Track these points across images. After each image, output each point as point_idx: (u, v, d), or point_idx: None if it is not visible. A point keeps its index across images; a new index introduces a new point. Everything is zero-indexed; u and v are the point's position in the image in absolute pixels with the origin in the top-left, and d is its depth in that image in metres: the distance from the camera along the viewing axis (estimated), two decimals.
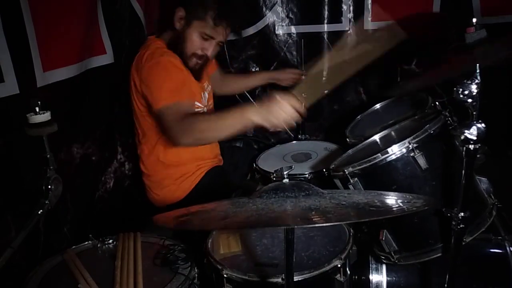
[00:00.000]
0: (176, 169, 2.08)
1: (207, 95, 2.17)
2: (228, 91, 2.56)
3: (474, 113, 1.16)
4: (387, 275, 1.69)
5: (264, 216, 0.86)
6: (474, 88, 1.14)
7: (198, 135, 1.68)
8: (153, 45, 2.00)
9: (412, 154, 1.46)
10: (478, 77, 1.13)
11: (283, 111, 1.46)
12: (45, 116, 1.28)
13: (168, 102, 1.77)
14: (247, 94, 3.04)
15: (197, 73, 2.04)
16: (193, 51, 1.96)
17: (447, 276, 1.36)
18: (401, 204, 0.95)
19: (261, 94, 3.07)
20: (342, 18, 2.87)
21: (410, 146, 1.46)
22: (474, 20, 1.21)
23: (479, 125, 1.16)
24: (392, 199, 1.00)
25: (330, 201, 0.93)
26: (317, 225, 1.03)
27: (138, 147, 2.16)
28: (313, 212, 0.86)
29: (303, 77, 2.45)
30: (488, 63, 1.14)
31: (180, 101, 1.78)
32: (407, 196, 1.00)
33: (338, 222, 1.23)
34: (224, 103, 2.99)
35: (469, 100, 1.15)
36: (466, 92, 1.14)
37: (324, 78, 1.98)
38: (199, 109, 2.08)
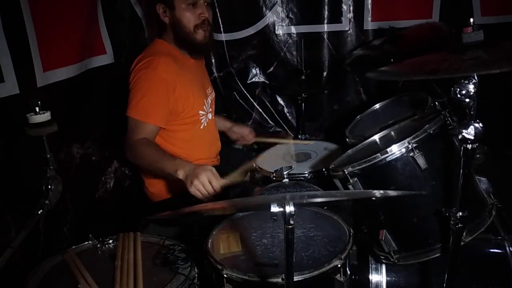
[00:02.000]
0: None
1: (210, 101, 2.18)
2: None
3: (472, 112, 1.16)
4: (387, 275, 1.69)
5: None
6: (471, 88, 1.13)
7: (136, 161, 1.88)
8: (154, 47, 2.01)
9: (411, 154, 1.46)
10: (476, 77, 1.13)
11: (204, 177, 1.59)
12: (45, 116, 1.29)
13: (136, 117, 1.85)
14: (247, 94, 3.05)
15: (208, 44, 2.06)
16: (193, 23, 1.97)
17: (446, 276, 1.36)
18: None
19: (261, 94, 3.08)
20: (342, 18, 2.88)
21: (410, 146, 1.46)
22: (472, 20, 1.21)
23: (476, 125, 1.16)
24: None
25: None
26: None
27: None
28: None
29: (251, 141, 2.47)
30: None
31: (146, 123, 1.86)
32: None
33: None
34: (224, 102, 3.04)
35: (467, 100, 1.15)
36: (464, 92, 1.14)
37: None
38: (202, 117, 2.10)
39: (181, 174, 1.64)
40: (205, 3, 2.00)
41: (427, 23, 2.66)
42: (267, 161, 2.30)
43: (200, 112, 2.09)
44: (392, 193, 1.19)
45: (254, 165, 2.16)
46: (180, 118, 2.01)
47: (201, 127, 2.11)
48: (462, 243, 1.37)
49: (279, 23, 2.91)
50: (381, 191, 1.11)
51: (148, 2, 2.56)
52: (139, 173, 2.18)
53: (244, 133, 2.43)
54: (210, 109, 2.18)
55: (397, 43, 2.41)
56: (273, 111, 3.11)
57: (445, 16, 2.78)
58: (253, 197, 1.70)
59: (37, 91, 1.75)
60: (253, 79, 3.05)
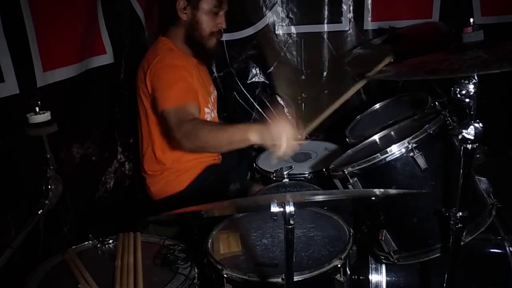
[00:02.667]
0: (175, 163, 2.09)
1: (213, 99, 2.19)
2: None
3: (472, 112, 1.16)
4: (387, 275, 1.69)
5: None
6: (471, 88, 1.13)
7: (199, 143, 1.66)
8: (163, 45, 2.01)
9: (411, 154, 1.46)
10: (476, 77, 1.13)
11: (284, 135, 1.41)
12: (45, 116, 1.28)
13: (175, 103, 1.77)
14: (247, 94, 3.05)
15: (215, 52, 2.10)
16: (210, 30, 1.99)
17: (446, 276, 1.36)
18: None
19: (261, 94, 3.07)
20: (342, 18, 2.88)
21: (410, 146, 1.46)
22: (472, 20, 1.21)
23: (476, 125, 1.16)
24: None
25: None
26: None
27: (140, 141, 2.15)
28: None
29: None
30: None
31: (186, 103, 1.78)
32: None
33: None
34: (224, 102, 3.04)
35: (467, 100, 1.15)
36: (464, 92, 1.14)
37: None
38: (206, 115, 2.10)
39: (254, 139, 1.48)
40: (225, 14, 2.02)
41: (427, 23, 2.66)
42: (267, 161, 2.30)
43: (206, 109, 2.10)
44: (392, 191, 1.19)
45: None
46: None
47: None
48: (462, 243, 1.37)
49: (279, 23, 2.91)
50: (381, 190, 1.11)
51: (148, 2, 2.56)
52: (141, 172, 2.18)
53: None
54: (213, 107, 2.19)
55: (397, 43, 2.41)
56: (273, 111, 3.11)
57: (445, 16, 2.77)
58: (253, 197, 1.69)
59: (37, 91, 1.75)
60: (253, 79, 3.05)
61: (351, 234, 1.53)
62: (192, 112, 1.75)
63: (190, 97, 1.82)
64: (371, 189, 1.47)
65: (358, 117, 2.20)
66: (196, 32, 1.99)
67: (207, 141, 1.63)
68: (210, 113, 2.14)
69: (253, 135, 1.48)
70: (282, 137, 1.40)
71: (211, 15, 1.97)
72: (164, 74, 1.87)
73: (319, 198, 1.17)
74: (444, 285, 1.37)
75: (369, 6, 2.84)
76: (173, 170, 2.09)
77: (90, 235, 1.64)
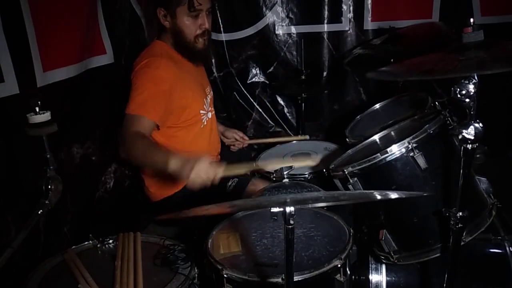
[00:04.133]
0: None
1: (209, 100, 2.18)
2: None
3: (472, 112, 1.16)
4: (387, 275, 1.69)
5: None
6: (471, 87, 1.13)
7: (128, 156, 1.78)
8: (154, 49, 2.01)
9: (411, 154, 1.46)
10: (476, 77, 1.13)
11: (200, 172, 1.53)
12: (45, 116, 1.28)
13: (132, 111, 1.81)
14: (247, 94, 3.05)
15: (207, 51, 2.08)
16: (194, 33, 1.98)
17: (446, 276, 1.36)
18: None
19: (261, 94, 3.07)
20: (342, 18, 2.88)
21: (410, 146, 1.46)
22: (472, 20, 1.21)
23: (476, 125, 1.16)
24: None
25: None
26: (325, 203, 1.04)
27: None
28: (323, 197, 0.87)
29: (245, 143, 2.45)
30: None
31: (141, 116, 1.81)
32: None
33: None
34: (224, 102, 3.04)
35: (467, 100, 1.15)
36: (464, 92, 1.14)
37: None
38: (202, 116, 2.10)
39: (173, 165, 1.58)
40: (207, 12, 1.99)
41: (427, 23, 2.67)
42: (267, 161, 2.30)
43: (201, 111, 2.10)
44: (392, 195, 1.17)
45: (255, 165, 2.15)
46: (182, 119, 2.01)
47: (202, 126, 2.12)
48: (462, 243, 1.37)
49: (279, 23, 2.91)
50: (383, 193, 1.10)
51: (148, 2, 2.57)
52: (139, 172, 2.18)
53: (236, 137, 2.43)
54: (210, 108, 2.19)
55: (397, 43, 2.41)
56: (273, 111, 3.11)
57: (445, 16, 2.78)
58: (253, 199, 1.68)
59: (37, 91, 1.75)
60: (253, 79, 3.05)
61: (351, 234, 1.53)
62: (141, 126, 1.80)
63: (147, 111, 1.83)
64: (371, 192, 1.46)
65: (358, 117, 2.19)
66: (181, 39, 1.98)
67: (134, 157, 1.78)
68: (206, 113, 2.13)
69: (174, 164, 1.58)
70: (197, 172, 1.52)
71: (190, 19, 1.95)
72: (140, 79, 1.88)
73: (321, 204, 1.15)
74: (444, 285, 1.37)
75: (369, 6, 2.84)
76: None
77: (90, 235, 1.64)
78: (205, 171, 1.54)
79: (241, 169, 1.91)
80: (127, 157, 1.80)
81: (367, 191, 1.51)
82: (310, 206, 1.08)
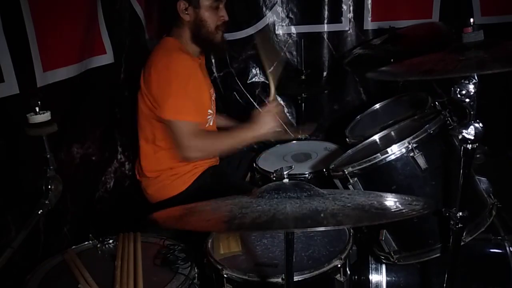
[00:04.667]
0: (172, 167, 2.08)
1: (213, 101, 2.19)
2: None
3: (472, 112, 1.16)
4: (387, 275, 1.69)
5: (272, 218, 0.82)
6: (471, 88, 1.13)
7: (205, 154, 1.99)
8: (172, 45, 2.00)
9: (411, 154, 1.46)
10: (476, 77, 1.13)
11: (270, 122, 1.88)
12: (45, 116, 1.28)
13: (180, 118, 1.86)
14: (247, 94, 3.05)
15: (225, 44, 2.15)
16: (215, 24, 2.01)
17: (446, 276, 1.36)
18: (400, 206, 0.93)
19: (261, 94, 3.07)
20: (342, 18, 2.88)
21: (410, 146, 1.46)
22: (472, 20, 1.21)
23: (476, 125, 1.16)
24: (391, 201, 0.98)
25: (335, 203, 0.90)
26: (328, 228, 0.98)
27: (139, 143, 2.14)
28: (322, 215, 0.83)
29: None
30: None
31: (192, 121, 1.88)
32: (407, 198, 0.98)
33: (350, 225, 1.25)
34: (224, 102, 3.04)
35: (467, 100, 1.15)
36: (464, 92, 1.14)
37: None
38: (209, 116, 2.11)
39: (254, 137, 1.93)
40: (224, 5, 2.04)
41: (427, 23, 2.66)
42: (267, 161, 2.30)
43: (209, 111, 2.11)
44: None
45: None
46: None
47: (207, 126, 2.12)
48: (462, 243, 1.37)
49: (279, 23, 2.91)
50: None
51: (148, 2, 2.56)
52: (137, 175, 2.18)
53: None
54: (214, 108, 2.19)
55: (397, 43, 2.41)
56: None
57: (445, 16, 2.77)
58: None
59: (37, 91, 1.75)
60: (253, 79, 3.04)
61: (351, 234, 1.53)
62: (197, 128, 1.91)
63: (197, 115, 1.92)
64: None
65: (358, 117, 2.19)
66: (202, 30, 2.00)
67: (212, 150, 2.01)
68: (212, 114, 2.14)
69: (249, 135, 1.92)
70: (269, 124, 1.90)
71: (212, 10, 1.98)
72: (174, 81, 1.87)
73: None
74: (444, 285, 1.37)
75: (369, 6, 2.84)
76: (169, 174, 2.07)
77: (90, 235, 1.64)
78: (270, 122, 1.90)
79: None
80: (202, 157, 2.01)
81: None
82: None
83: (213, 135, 1.98)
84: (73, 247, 1.61)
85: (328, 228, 1.05)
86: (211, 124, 2.14)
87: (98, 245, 1.62)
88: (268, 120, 1.91)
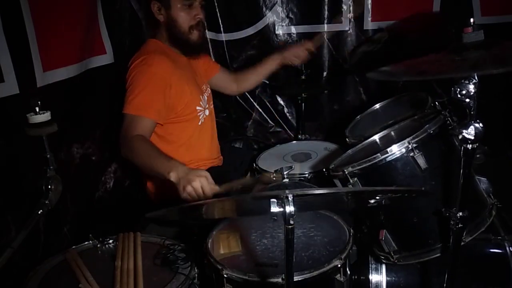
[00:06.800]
0: None
1: (206, 97, 2.18)
2: (248, 86, 2.60)
3: (472, 112, 1.16)
4: (387, 275, 1.69)
5: None
6: (471, 87, 1.13)
7: (130, 157, 1.76)
8: (148, 46, 2.01)
9: (411, 154, 1.46)
10: (476, 77, 1.13)
11: (197, 182, 1.50)
12: (45, 116, 1.29)
13: (132, 112, 1.81)
14: (247, 94, 3.05)
15: (202, 44, 2.11)
16: (188, 24, 1.99)
17: (446, 276, 1.36)
18: None
19: (261, 94, 3.07)
20: (342, 18, 2.87)
21: (410, 146, 1.46)
22: (472, 20, 1.21)
23: (477, 125, 1.16)
24: None
25: None
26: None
27: None
28: None
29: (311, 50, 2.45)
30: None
31: (142, 117, 1.82)
32: None
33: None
34: (224, 102, 3.04)
35: (467, 100, 1.15)
36: (464, 92, 1.14)
37: None
38: (199, 113, 2.09)
39: (173, 176, 1.56)
40: (200, 5, 2.01)
41: (423, 14, 2.65)
42: (267, 161, 2.30)
43: (198, 108, 2.09)
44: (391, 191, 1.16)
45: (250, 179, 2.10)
46: (178, 115, 2.01)
47: (199, 123, 2.11)
48: (462, 243, 1.37)
49: (279, 23, 2.91)
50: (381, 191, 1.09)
51: (144, 1, 2.57)
52: (141, 173, 2.18)
53: (298, 50, 2.44)
54: (207, 105, 2.18)
55: (396, 39, 2.39)
56: (273, 111, 3.11)
57: (445, 16, 2.77)
58: (252, 193, 1.67)
59: (37, 91, 1.75)
60: None
61: (351, 234, 1.53)
62: (141, 127, 1.80)
63: (148, 112, 1.83)
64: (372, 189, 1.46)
65: (358, 117, 2.19)
66: (175, 30, 1.99)
67: (136, 160, 1.74)
68: (203, 111, 2.13)
69: (172, 172, 1.56)
70: (195, 186, 1.50)
71: (185, 9, 1.97)
72: (135, 77, 1.87)
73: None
74: (444, 285, 1.37)
75: (369, 6, 2.84)
76: None
77: (90, 235, 1.64)
78: (201, 187, 1.52)
79: (237, 186, 1.82)
80: (128, 159, 1.79)
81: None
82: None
83: (144, 146, 1.75)
84: (73, 247, 1.61)
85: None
86: (203, 121, 2.13)
87: (98, 245, 1.62)
88: (198, 186, 1.53)
